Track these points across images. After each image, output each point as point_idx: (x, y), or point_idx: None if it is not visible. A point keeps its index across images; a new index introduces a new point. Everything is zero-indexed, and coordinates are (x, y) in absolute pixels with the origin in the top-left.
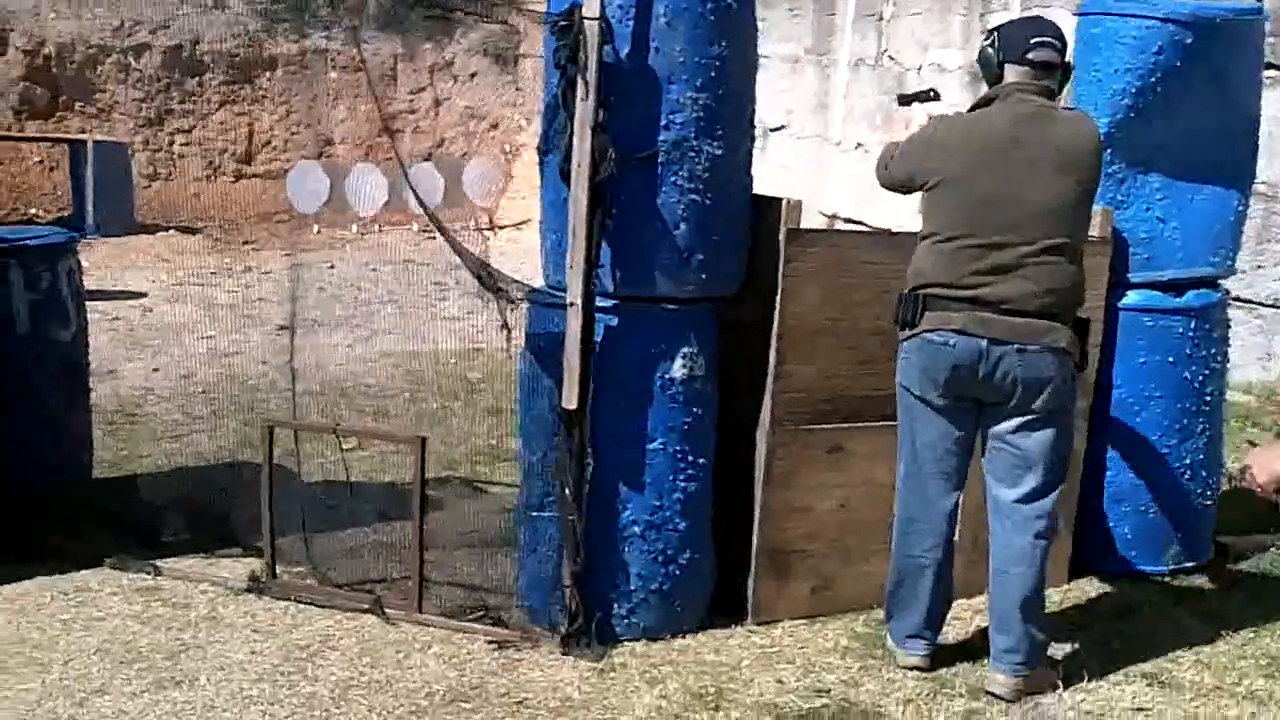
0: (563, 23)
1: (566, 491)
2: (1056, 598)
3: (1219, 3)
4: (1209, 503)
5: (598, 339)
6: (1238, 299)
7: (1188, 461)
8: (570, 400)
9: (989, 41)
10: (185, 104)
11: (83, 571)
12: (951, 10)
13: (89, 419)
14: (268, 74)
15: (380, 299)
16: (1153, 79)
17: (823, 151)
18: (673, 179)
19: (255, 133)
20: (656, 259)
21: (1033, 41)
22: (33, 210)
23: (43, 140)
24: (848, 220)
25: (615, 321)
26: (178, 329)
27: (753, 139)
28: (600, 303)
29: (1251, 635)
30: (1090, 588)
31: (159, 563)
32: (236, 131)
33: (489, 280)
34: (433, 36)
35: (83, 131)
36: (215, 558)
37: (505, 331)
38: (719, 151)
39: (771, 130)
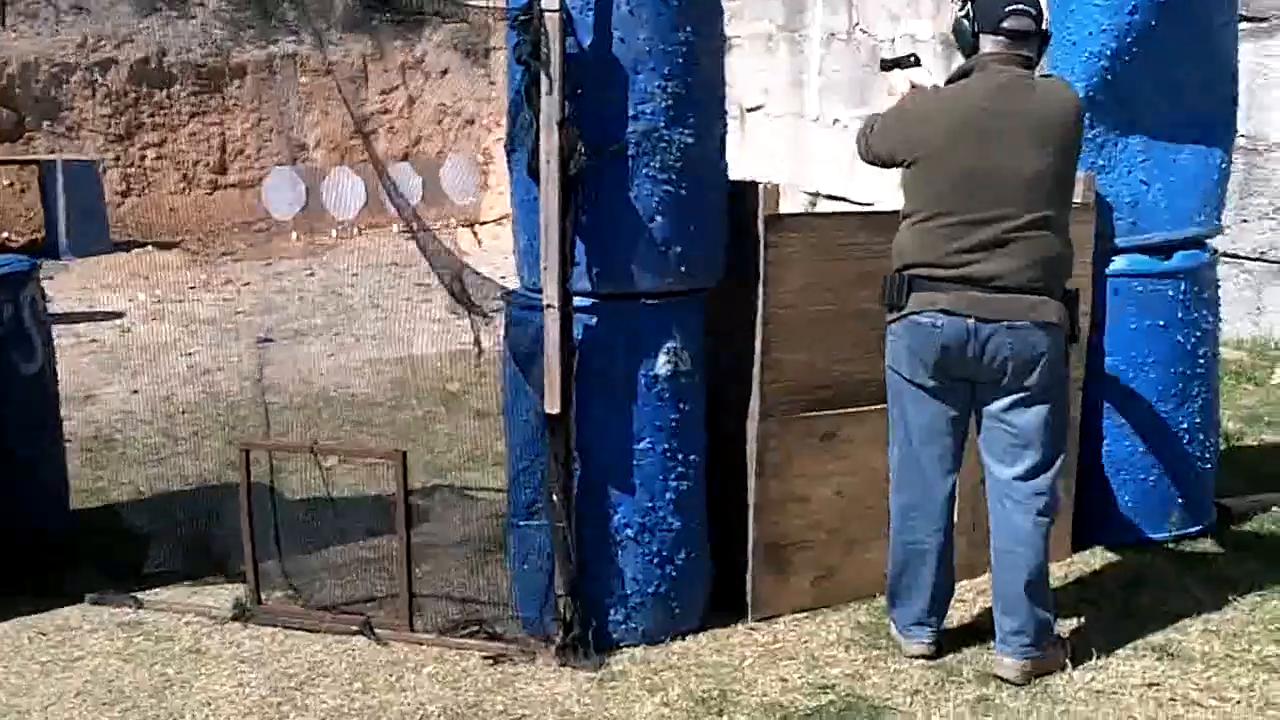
0: (523, 17)
1: (555, 498)
2: (1060, 572)
3: None
4: (1208, 466)
5: (577, 339)
6: (1224, 254)
7: (1184, 426)
8: (552, 404)
9: (963, 12)
10: (155, 117)
11: (63, 609)
12: None
13: (63, 450)
14: (237, 82)
15: (362, 304)
16: (1129, 39)
17: (800, 129)
18: (645, 170)
19: (228, 142)
20: (633, 254)
21: (1007, 10)
22: (4, 235)
23: (9, 163)
24: (830, 197)
25: (594, 320)
26: (157, 348)
27: (725, 125)
28: (578, 302)
29: (1259, 599)
30: (1094, 560)
31: (141, 595)
32: (209, 142)
33: (462, 295)
34: (401, 35)
35: (52, 151)
36: (200, 585)
37: (477, 347)
38: (691, 140)
39: (749, 110)
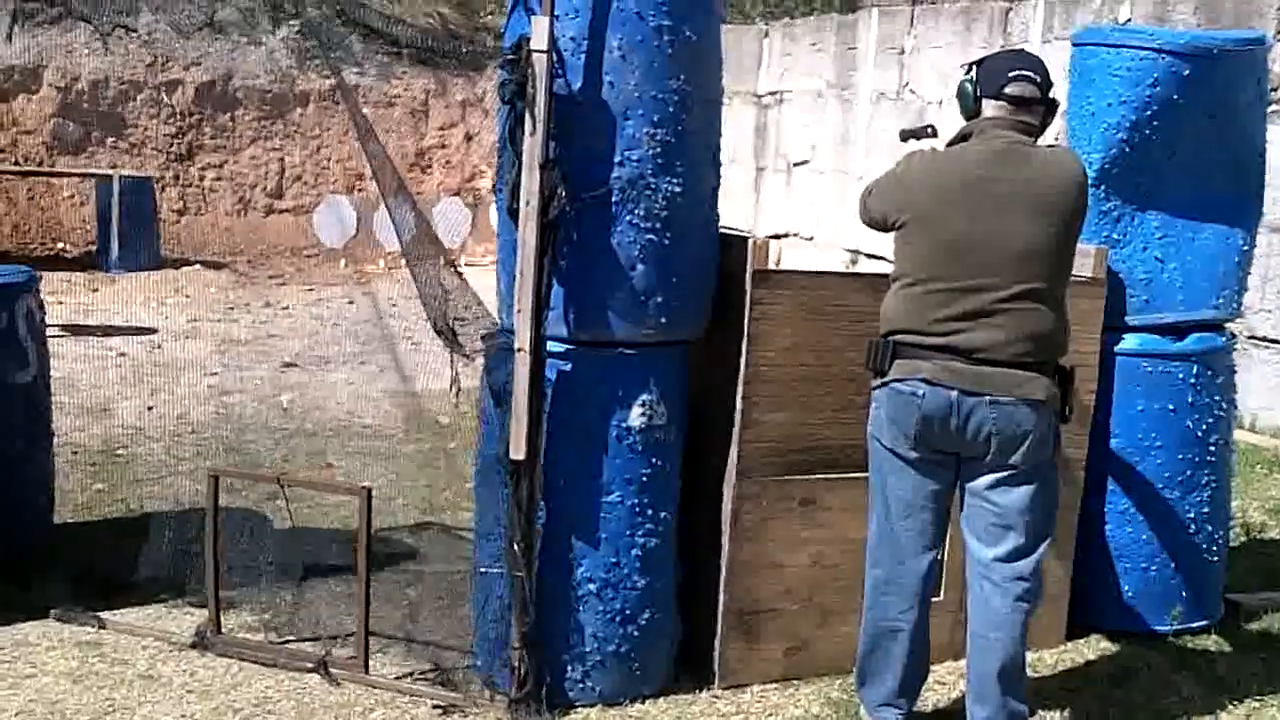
0: (510, 56)
1: (515, 546)
2: (1051, 659)
3: (1219, 32)
4: (1215, 558)
5: (550, 385)
6: (1264, 339)
7: (1191, 515)
8: (518, 450)
9: (968, 75)
10: (217, 139)
11: (27, 624)
12: (972, 43)
13: (50, 462)
14: (299, 109)
15: (396, 335)
16: (1148, 112)
17: (846, 186)
18: (629, 218)
19: (286, 168)
20: (612, 301)
21: (1010, 75)
22: (60, 245)
23: (69, 175)
24: (871, 256)
25: (569, 366)
26: (181, 366)
27: (718, 176)
28: (553, 347)
29: (1256, 706)
30: (1088, 649)
31: (107, 615)
32: (267, 166)
33: (448, 333)
34: (464, 73)
35: (113, 166)
36: (169, 609)
37: (455, 385)
38: (678, 189)
39: (795, 165)
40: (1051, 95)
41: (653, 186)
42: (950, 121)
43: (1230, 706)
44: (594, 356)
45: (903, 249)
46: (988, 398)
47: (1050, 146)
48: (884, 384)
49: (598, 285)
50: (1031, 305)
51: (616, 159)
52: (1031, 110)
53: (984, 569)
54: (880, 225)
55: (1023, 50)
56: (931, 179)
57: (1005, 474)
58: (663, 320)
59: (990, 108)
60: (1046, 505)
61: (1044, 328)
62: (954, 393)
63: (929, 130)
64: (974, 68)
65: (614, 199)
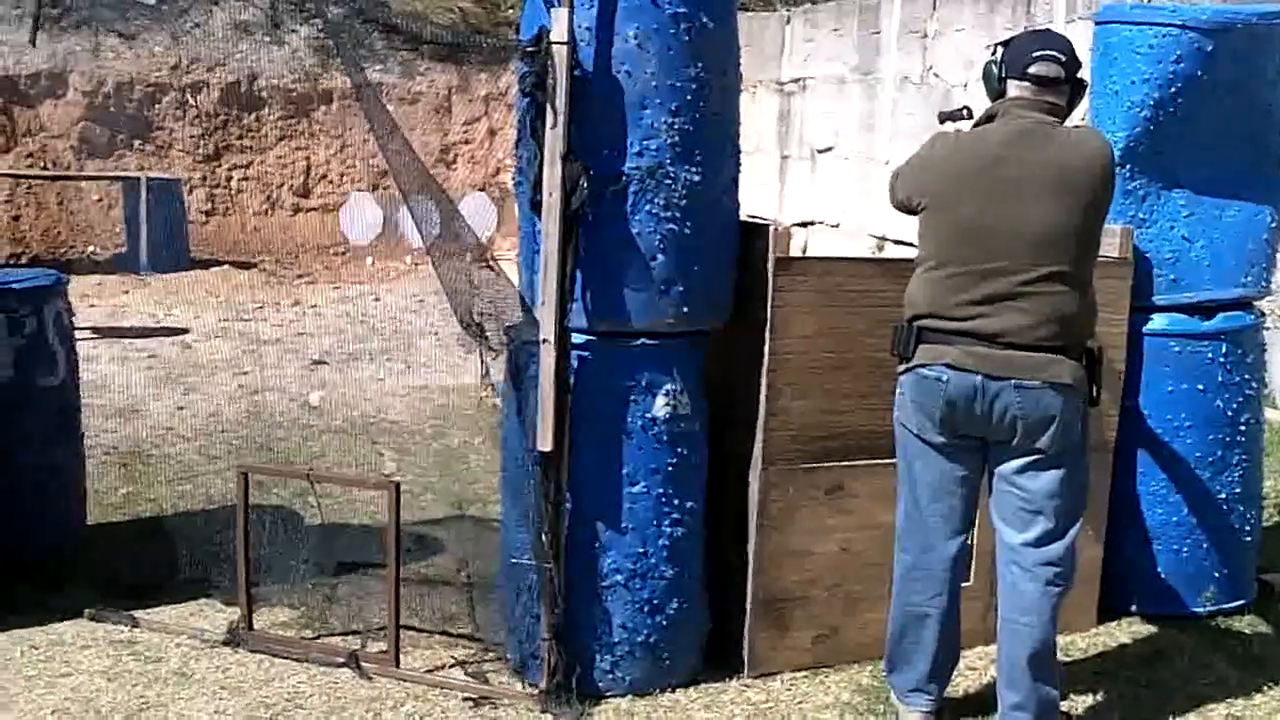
0: (530, 48)
1: (543, 538)
2: (1083, 643)
3: (1242, 6)
4: (1248, 538)
5: (574, 376)
6: None
7: (1223, 495)
8: (545, 442)
9: (993, 56)
10: (243, 139)
11: (62, 624)
12: (995, 25)
13: (82, 463)
14: (324, 108)
15: (420, 331)
16: (1172, 89)
17: (871, 172)
18: (648, 207)
19: (312, 166)
20: (633, 291)
21: (1034, 55)
22: (90, 248)
23: (98, 178)
24: (898, 242)
25: (591, 358)
26: (213, 366)
27: (738, 164)
28: (575, 338)
29: None
30: (1120, 632)
31: (139, 614)
32: (294, 166)
33: (473, 327)
34: (486, 68)
35: (141, 169)
36: (202, 607)
37: (485, 380)
38: (698, 178)
39: (819, 152)
40: (1079, 75)
41: (672, 175)
42: (977, 104)
43: (1265, 687)
44: (616, 347)
45: (924, 232)
46: (1012, 382)
47: (1076, 127)
48: (909, 369)
49: (619, 276)
50: (1055, 288)
51: (635, 149)
52: (1057, 90)
53: (1013, 554)
54: (906, 208)
55: (1049, 30)
56: (951, 161)
57: (1033, 458)
58: (684, 309)
59: (1015, 88)
60: (1075, 489)
61: (1068, 310)
62: (978, 377)
63: (964, 112)
64: (999, 48)
65: (633, 189)
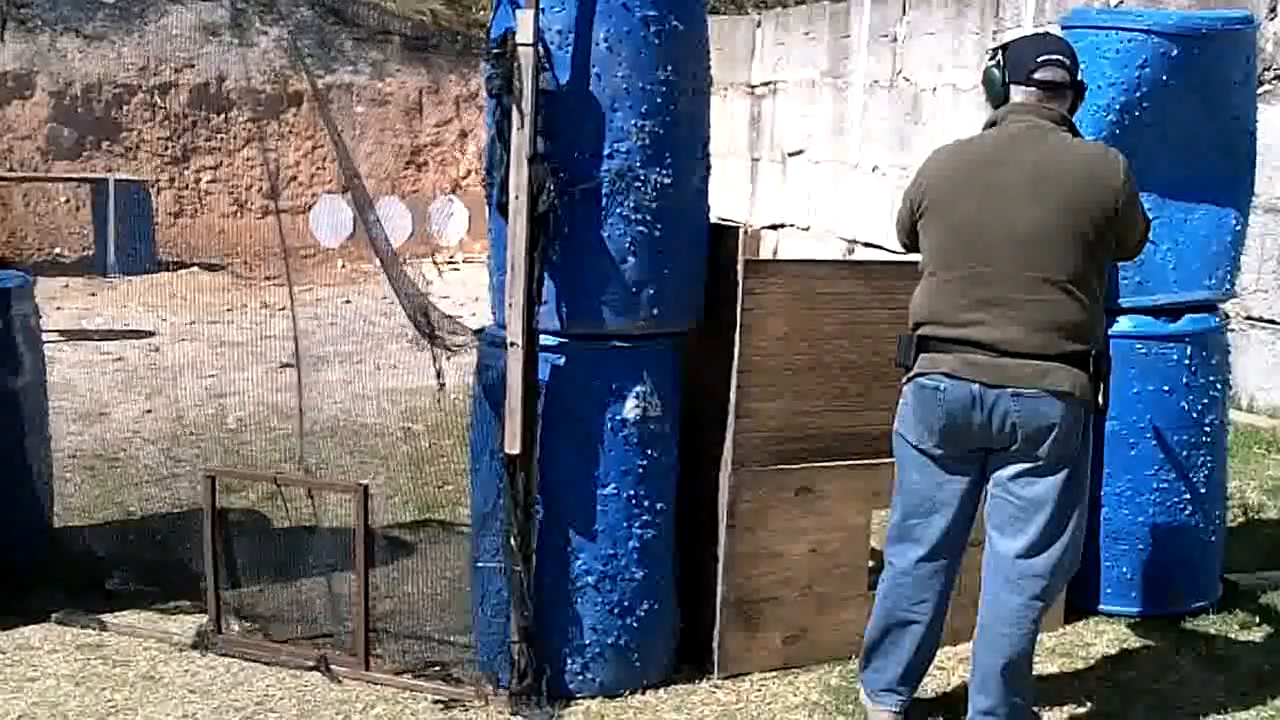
0: (496, 49)
1: (512, 541)
2: (1050, 643)
3: (1207, 12)
4: (1213, 539)
5: (544, 379)
6: (1261, 319)
7: (1188, 496)
8: (513, 445)
9: (994, 61)
10: (211, 141)
11: (28, 628)
12: (964, 30)
13: (48, 467)
14: (293, 109)
15: (389, 333)
16: (1138, 94)
17: (841, 175)
18: (619, 210)
19: (281, 168)
20: (604, 294)
21: (1039, 60)
22: (58, 250)
23: (64, 180)
24: (868, 245)
25: (562, 360)
26: (179, 369)
27: (708, 167)
28: (545, 341)
29: (1257, 684)
30: (1087, 632)
31: (107, 618)
32: (263, 168)
33: (425, 327)
34: (457, 69)
35: (109, 171)
36: (170, 611)
37: (439, 382)
38: (668, 180)
39: (790, 155)
40: (1080, 79)
41: (642, 178)
42: (948, 108)
43: (1230, 686)
44: (587, 349)
45: (922, 240)
46: (1009, 390)
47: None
48: (910, 379)
49: (589, 278)
50: (1050, 295)
51: (605, 151)
52: (1060, 95)
53: (1001, 563)
54: (907, 224)
55: (1048, 33)
56: (945, 166)
57: (1031, 465)
58: (655, 312)
59: (1019, 94)
60: (1071, 501)
61: (1066, 318)
62: (975, 386)
63: None
64: (999, 53)
65: (603, 191)
